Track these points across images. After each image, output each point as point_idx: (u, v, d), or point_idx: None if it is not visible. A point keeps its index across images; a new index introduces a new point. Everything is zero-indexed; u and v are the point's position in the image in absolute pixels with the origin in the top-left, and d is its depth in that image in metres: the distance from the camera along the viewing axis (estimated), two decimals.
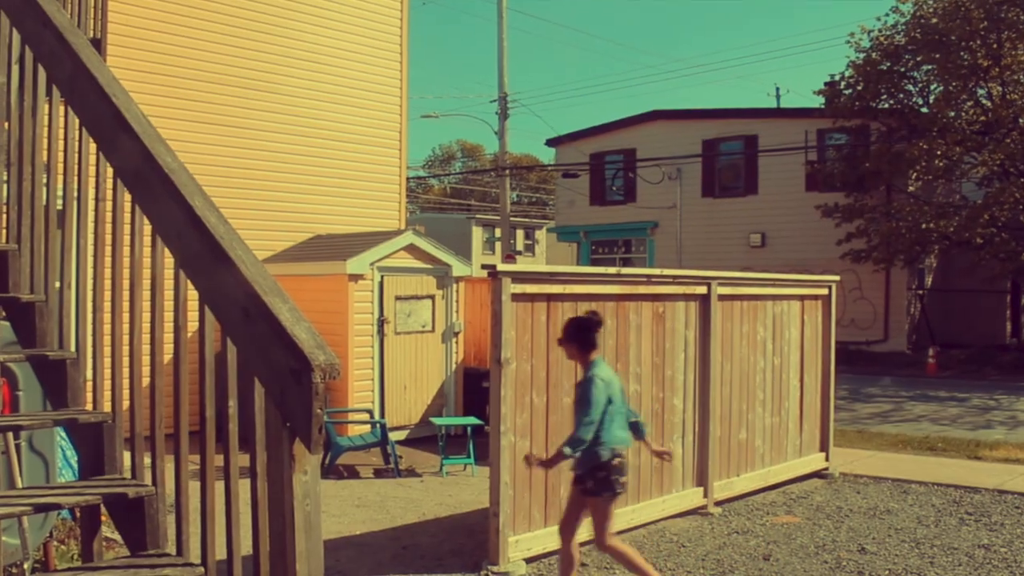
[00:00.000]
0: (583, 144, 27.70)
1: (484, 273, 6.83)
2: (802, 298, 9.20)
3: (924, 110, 21.57)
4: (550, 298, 6.42)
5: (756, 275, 9.11)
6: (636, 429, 5.48)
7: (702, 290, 7.81)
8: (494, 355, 6.09)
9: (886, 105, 22.11)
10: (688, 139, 25.70)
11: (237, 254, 2.20)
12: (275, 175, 11.67)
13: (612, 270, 7.07)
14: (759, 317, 8.58)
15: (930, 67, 21.21)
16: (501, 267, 6.13)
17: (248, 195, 11.25)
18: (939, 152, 20.19)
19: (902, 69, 21.86)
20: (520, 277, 6.21)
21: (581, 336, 5.31)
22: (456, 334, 11.33)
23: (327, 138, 12.20)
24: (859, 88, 21.96)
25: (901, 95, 22.19)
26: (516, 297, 6.14)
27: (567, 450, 5.07)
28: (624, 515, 6.97)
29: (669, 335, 7.50)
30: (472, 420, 9.85)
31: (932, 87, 21.81)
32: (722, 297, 8.01)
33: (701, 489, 7.78)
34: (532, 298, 6.29)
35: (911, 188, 22.15)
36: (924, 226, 19.85)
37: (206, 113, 11.05)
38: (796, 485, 8.90)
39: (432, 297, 11.13)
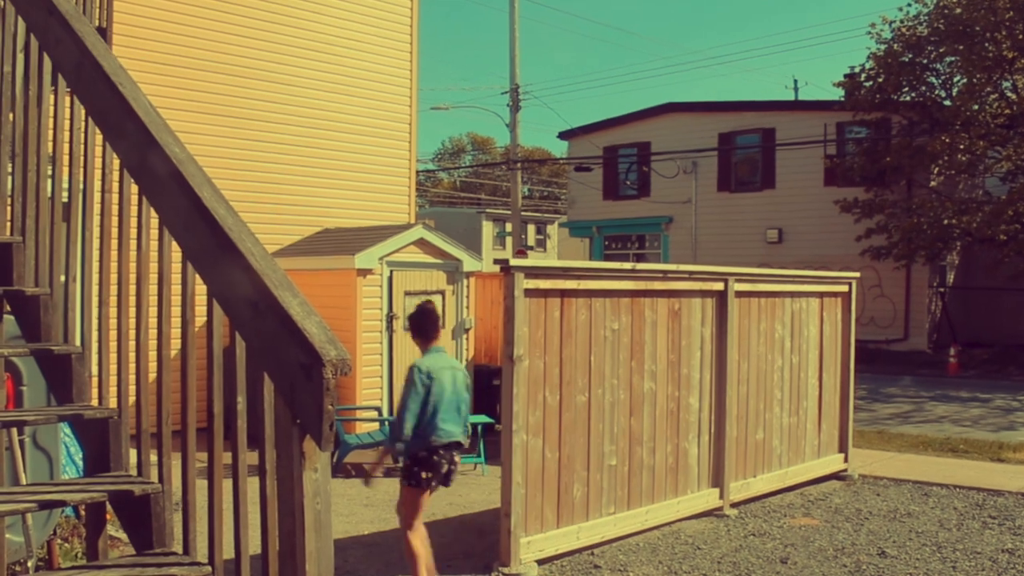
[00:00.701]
0: (596, 137, 27.66)
1: (495, 268, 6.84)
2: (821, 295, 9.16)
3: (947, 103, 21.43)
4: (564, 294, 6.41)
5: (774, 271, 9.08)
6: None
7: (719, 286, 7.78)
8: (506, 352, 6.09)
9: (908, 98, 21.98)
10: (704, 132, 25.62)
11: (246, 246, 2.19)
12: (283, 167, 11.69)
13: (627, 266, 7.04)
14: (777, 314, 8.55)
15: (953, 59, 21.07)
16: (514, 262, 6.13)
17: (255, 187, 11.27)
18: (962, 146, 20.05)
19: (924, 61, 21.72)
20: (533, 272, 6.20)
21: (415, 326, 5.48)
22: (467, 330, 11.32)
23: (336, 130, 12.21)
24: (880, 80, 21.83)
25: (923, 87, 22.05)
26: (529, 293, 6.14)
27: (388, 443, 5.23)
28: (638, 516, 6.96)
29: (685, 332, 7.48)
30: (483, 418, 9.84)
31: (955, 79, 21.65)
32: (739, 294, 7.98)
33: (717, 490, 7.76)
34: (545, 294, 6.28)
35: (933, 183, 22.02)
36: (946, 222, 19.73)
37: (213, 104, 11.07)
38: (814, 487, 8.87)
39: (442, 292, 11.13)
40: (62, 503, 2.59)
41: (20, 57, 3.12)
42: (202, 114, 10.89)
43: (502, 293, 6.30)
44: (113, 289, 2.82)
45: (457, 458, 5.40)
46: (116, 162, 2.76)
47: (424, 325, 5.45)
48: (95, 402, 2.89)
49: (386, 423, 9.62)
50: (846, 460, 9.45)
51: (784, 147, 23.94)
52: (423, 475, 5.26)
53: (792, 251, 23.73)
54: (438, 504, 7.97)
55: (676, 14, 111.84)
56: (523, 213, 33.44)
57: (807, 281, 9.04)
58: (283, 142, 11.71)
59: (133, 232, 2.73)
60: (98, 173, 2.92)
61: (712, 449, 7.75)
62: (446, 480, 5.35)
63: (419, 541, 5.35)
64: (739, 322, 8.02)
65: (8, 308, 3.09)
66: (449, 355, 5.70)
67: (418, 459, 5.24)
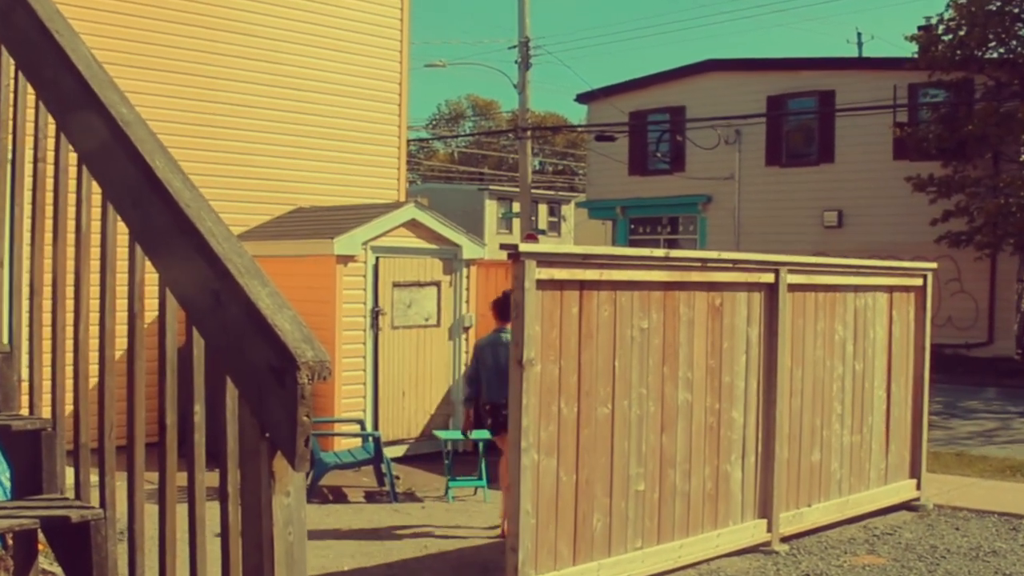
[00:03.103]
0: (621, 100, 27.61)
1: (500, 255, 6.81)
2: (890, 289, 9.14)
3: None
4: (583, 286, 6.40)
5: (835, 261, 9.05)
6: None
7: (768, 278, 7.76)
8: (514, 355, 6.08)
9: (995, 54, 21.87)
10: (749, 95, 25.56)
11: (206, 226, 2.19)
12: (249, 134, 11.69)
13: (659, 253, 7.03)
14: (837, 312, 8.53)
15: None
16: (524, 247, 6.12)
17: (217, 157, 11.27)
18: None
19: (1016, 10, 21.60)
20: (547, 260, 6.19)
21: (500, 309, 8.14)
22: (466, 329, 11.33)
23: (312, 90, 12.20)
24: (961, 33, 21.73)
25: (1014, 42, 21.93)
26: (542, 284, 6.13)
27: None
28: (670, 552, 6.95)
29: (727, 333, 7.46)
30: (485, 434, 9.84)
31: None
32: (793, 287, 7.96)
33: (764, 521, 7.75)
34: (561, 286, 6.27)
35: None
36: None
37: (166, 59, 11.07)
38: (880, 518, 8.85)
39: (437, 284, 11.12)
40: None
41: None
42: (154, 70, 10.88)
43: (509, 285, 6.28)
44: (47, 277, 2.81)
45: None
46: (52, 125, 2.75)
47: (506, 309, 7.23)
48: (25, 411, 2.89)
49: (370, 440, 9.63)
50: (919, 487, 9.43)
51: (845, 113, 23.86)
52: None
53: (854, 237, 23.67)
54: (432, 535, 7.97)
55: None
56: (533, 191, 33.41)
57: (874, 272, 9.01)
58: (250, 104, 11.71)
59: (71, 209, 2.72)
60: (29, 140, 2.91)
61: (759, 473, 7.74)
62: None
63: None
64: (792, 321, 8.00)
65: None
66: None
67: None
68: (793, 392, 8.05)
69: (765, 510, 7.77)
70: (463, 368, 11.29)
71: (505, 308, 7.32)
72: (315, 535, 7.64)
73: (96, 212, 2.61)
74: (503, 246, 6.29)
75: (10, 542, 4.19)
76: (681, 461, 7.06)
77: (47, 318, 2.79)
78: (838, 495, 8.56)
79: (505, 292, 7.68)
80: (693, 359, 7.18)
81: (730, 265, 7.50)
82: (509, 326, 6.66)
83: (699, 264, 7.26)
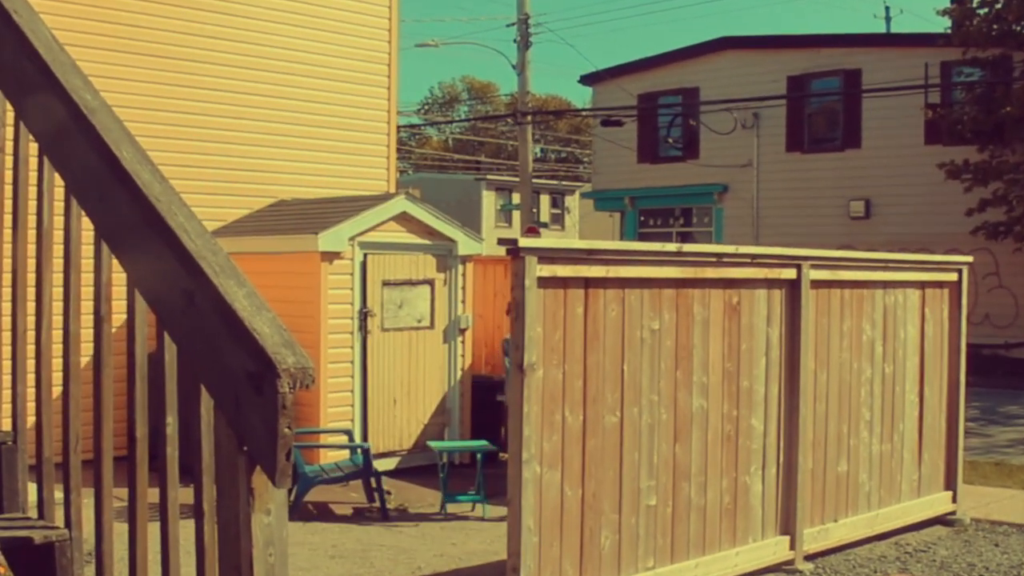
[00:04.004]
0: (629, 82, 27.61)
1: (499, 251, 6.81)
2: (923, 285, 9.14)
3: None
4: (588, 284, 6.41)
5: (862, 255, 9.03)
6: None
7: (790, 274, 7.76)
8: (514, 359, 6.09)
9: None
10: (768, 75, 25.56)
11: (178, 221, 2.19)
12: (225, 121, 11.68)
13: (671, 247, 7.02)
14: (865, 310, 8.53)
15: None
16: (524, 242, 6.13)
17: (190, 147, 11.26)
18: None
19: None
20: (550, 256, 6.19)
21: None
22: (462, 331, 11.33)
23: (294, 72, 12.19)
24: (998, 6, 21.71)
25: None
26: (544, 282, 6.13)
27: None
28: (685, 572, 6.96)
29: (745, 334, 7.46)
30: (483, 445, 9.84)
31: None
32: (816, 283, 7.96)
33: (787, 538, 7.75)
34: (565, 283, 6.28)
35: None
36: None
37: (135, 40, 11.06)
38: (913, 534, 8.86)
39: (431, 283, 11.12)
40: None
41: None
42: (122, 53, 10.87)
43: (508, 283, 6.29)
44: (6, 277, 2.81)
45: None
46: (9, 113, 2.75)
47: None
48: None
49: (359, 452, 9.63)
50: (954, 500, 9.43)
51: (873, 94, 23.85)
52: None
53: (883, 228, 23.68)
54: (425, 555, 7.98)
55: None
56: (534, 180, 33.43)
57: (904, 267, 9.02)
58: (226, 89, 11.70)
59: (32, 203, 2.72)
60: None
61: (781, 485, 7.74)
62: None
63: None
64: (816, 320, 8.00)
65: None
66: None
67: None
68: (817, 397, 8.05)
69: (788, 526, 7.77)
70: (459, 373, 11.31)
71: None
72: (299, 556, 7.63)
73: (59, 207, 2.61)
74: (501, 241, 6.29)
75: None
76: (696, 473, 7.06)
77: (6, 322, 2.79)
78: (867, 509, 8.56)
79: None
80: (708, 362, 7.18)
81: (748, 260, 7.50)
82: None
83: (715, 259, 7.26)
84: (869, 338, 8.58)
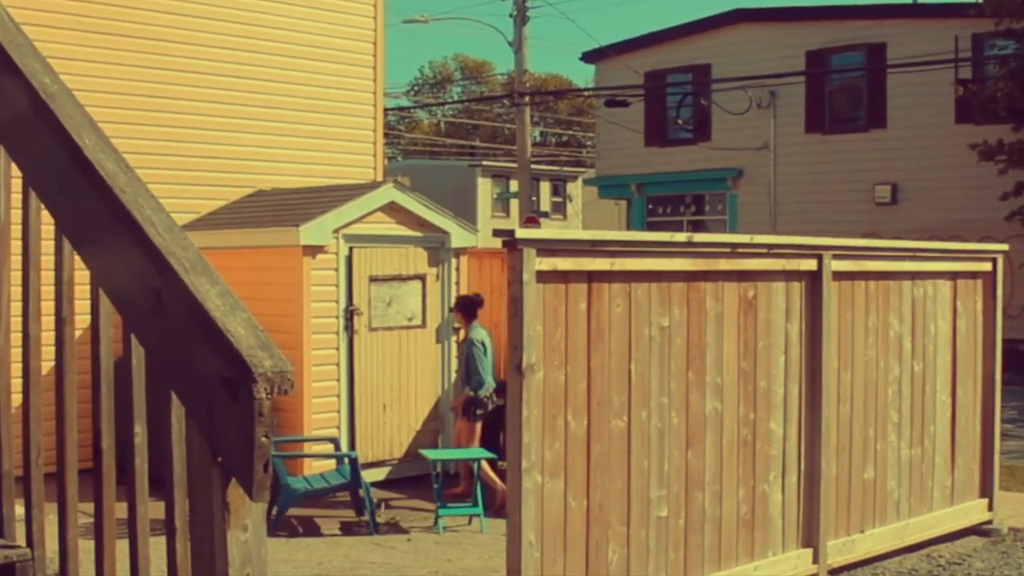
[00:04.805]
0: (635, 59, 27.61)
1: (495, 243, 6.80)
2: (954, 276, 9.14)
3: None
4: (592, 278, 6.40)
5: (888, 243, 9.03)
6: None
7: (810, 265, 7.76)
8: (513, 360, 6.07)
9: None
10: (786, 50, 25.55)
11: (145, 214, 2.18)
12: (198, 105, 11.67)
13: (681, 237, 7.03)
14: (892, 304, 8.53)
15: None
16: (522, 233, 6.11)
17: (160, 134, 11.26)
18: None
19: None
20: (549, 248, 6.18)
21: (464, 308, 10.71)
22: (456, 330, 11.33)
23: (272, 52, 12.19)
24: None
25: None
26: (544, 276, 6.13)
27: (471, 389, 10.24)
28: None
29: (762, 330, 7.46)
30: (480, 453, 9.84)
31: None
32: (839, 275, 7.96)
33: (809, 551, 7.76)
34: (567, 278, 6.27)
35: None
36: None
37: (100, 19, 11.04)
38: (946, 545, 8.87)
39: (422, 278, 11.12)
40: None
41: None
42: (84, 32, 10.86)
43: (505, 277, 6.28)
44: None
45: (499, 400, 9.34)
46: None
47: (473, 308, 10.62)
48: None
49: (346, 461, 9.63)
50: (991, 508, 9.45)
51: (899, 70, 23.85)
52: (477, 412, 10.31)
53: (911, 215, 23.68)
54: (419, 573, 7.99)
55: None
56: (534, 166, 33.47)
57: (934, 256, 9.02)
58: (199, 70, 11.68)
59: None
60: None
61: (802, 494, 7.75)
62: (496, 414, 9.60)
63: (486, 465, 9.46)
64: (839, 315, 8.01)
65: None
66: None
67: (476, 401, 10.31)
68: (841, 398, 8.05)
69: (810, 538, 7.77)
70: (453, 375, 11.31)
71: (475, 308, 10.67)
72: (282, 575, 7.64)
73: (16, 199, 2.61)
74: (497, 232, 6.28)
75: None
76: (710, 481, 7.07)
77: None
78: (896, 519, 8.57)
79: (468, 296, 10.94)
80: (723, 362, 7.18)
81: (765, 251, 7.50)
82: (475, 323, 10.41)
83: (728, 250, 7.26)
84: (896, 334, 8.58)
